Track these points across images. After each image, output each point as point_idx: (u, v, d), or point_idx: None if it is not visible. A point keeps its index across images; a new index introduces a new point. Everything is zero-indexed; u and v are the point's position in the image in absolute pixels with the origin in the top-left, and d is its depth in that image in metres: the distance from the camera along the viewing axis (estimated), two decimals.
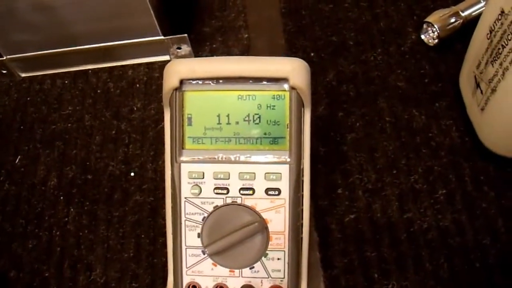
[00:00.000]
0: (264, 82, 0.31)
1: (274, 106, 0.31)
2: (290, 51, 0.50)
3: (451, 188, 0.42)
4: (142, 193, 0.45)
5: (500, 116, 0.39)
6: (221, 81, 0.31)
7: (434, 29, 0.48)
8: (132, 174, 0.46)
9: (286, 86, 0.31)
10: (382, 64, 0.49)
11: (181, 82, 0.32)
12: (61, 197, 0.45)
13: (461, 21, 0.48)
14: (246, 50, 0.51)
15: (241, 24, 0.53)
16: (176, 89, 0.32)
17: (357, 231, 0.41)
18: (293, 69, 0.31)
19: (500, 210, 0.41)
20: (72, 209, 0.45)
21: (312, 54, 0.50)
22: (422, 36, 0.50)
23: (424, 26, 0.49)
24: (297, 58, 0.32)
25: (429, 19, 0.49)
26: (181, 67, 0.32)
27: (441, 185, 0.42)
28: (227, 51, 0.51)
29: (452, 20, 0.48)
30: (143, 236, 0.43)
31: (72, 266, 0.42)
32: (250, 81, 0.31)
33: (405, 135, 0.45)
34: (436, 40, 0.49)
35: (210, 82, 0.32)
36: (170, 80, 0.31)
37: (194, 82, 0.32)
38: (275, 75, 0.31)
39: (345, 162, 0.44)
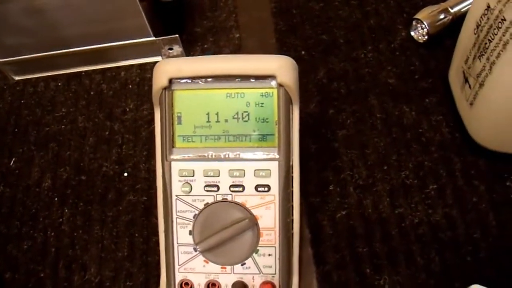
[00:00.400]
0: (252, 80, 0.32)
1: (262, 103, 0.32)
2: (281, 50, 0.51)
3: (442, 183, 0.42)
4: (136, 193, 0.45)
5: (488, 111, 0.39)
6: (209, 79, 0.32)
7: (424, 25, 0.49)
8: (126, 174, 0.46)
9: (273, 83, 0.31)
10: (373, 61, 0.49)
11: (170, 81, 0.32)
12: (56, 198, 0.46)
13: (450, 17, 0.49)
14: (238, 50, 0.51)
15: (232, 24, 0.53)
16: (165, 88, 0.32)
17: (349, 227, 0.41)
18: (280, 67, 0.31)
19: (490, 204, 0.41)
20: (66, 210, 0.45)
21: (303, 52, 0.51)
22: (412, 33, 0.50)
23: (414, 23, 0.50)
24: (284, 56, 0.32)
25: (419, 16, 0.49)
26: (170, 67, 0.32)
27: (431, 180, 0.42)
28: (219, 51, 0.52)
29: (441, 16, 0.48)
30: (136, 235, 0.43)
31: (67, 266, 0.42)
32: (238, 79, 0.32)
33: (396, 131, 0.45)
34: (426, 37, 0.49)
35: (199, 80, 0.32)
36: (159, 79, 0.32)
37: (183, 81, 0.32)
38: (262, 73, 0.31)
39: (336, 159, 0.44)
